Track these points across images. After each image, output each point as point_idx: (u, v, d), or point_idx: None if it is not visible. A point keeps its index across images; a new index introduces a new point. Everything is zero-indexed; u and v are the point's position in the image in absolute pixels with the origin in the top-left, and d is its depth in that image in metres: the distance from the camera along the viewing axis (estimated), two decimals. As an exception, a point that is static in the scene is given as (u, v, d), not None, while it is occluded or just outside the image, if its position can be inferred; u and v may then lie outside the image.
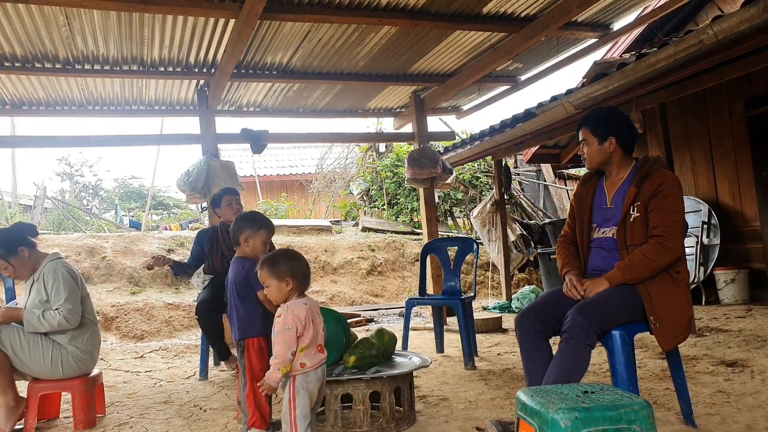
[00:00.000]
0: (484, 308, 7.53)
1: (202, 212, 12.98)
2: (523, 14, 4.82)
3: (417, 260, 9.25)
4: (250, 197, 14.06)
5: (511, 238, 8.15)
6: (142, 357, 5.30)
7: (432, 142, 7.12)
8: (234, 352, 4.26)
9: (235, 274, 2.59)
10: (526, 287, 7.62)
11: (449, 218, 11.80)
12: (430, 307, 6.00)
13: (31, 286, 3.03)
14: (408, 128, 7.13)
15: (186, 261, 4.42)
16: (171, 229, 11.26)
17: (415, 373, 3.13)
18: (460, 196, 11.62)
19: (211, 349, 4.22)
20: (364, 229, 10.91)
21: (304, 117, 7.02)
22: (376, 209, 12.41)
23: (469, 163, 10.47)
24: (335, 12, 4.40)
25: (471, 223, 9.62)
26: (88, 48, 4.78)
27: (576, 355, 2.18)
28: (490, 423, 2.32)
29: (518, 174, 12.07)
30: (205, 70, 5.46)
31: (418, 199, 9.59)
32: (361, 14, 4.47)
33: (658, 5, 5.31)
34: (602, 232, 2.55)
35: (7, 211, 12.68)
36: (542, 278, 8.20)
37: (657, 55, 4.09)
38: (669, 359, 2.49)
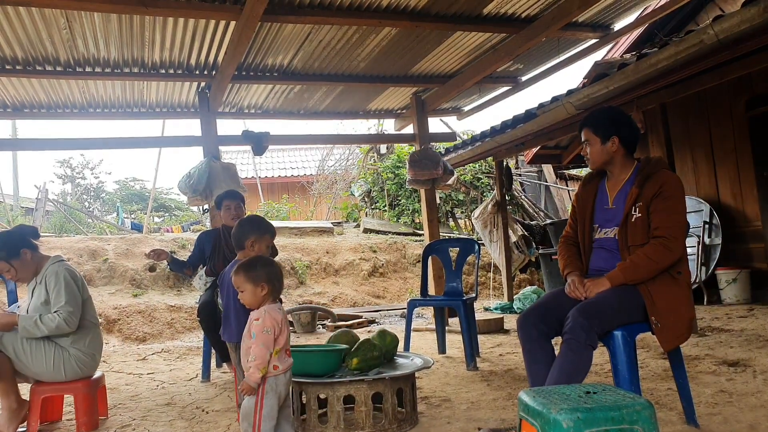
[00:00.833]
0: (486, 309, 7.53)
1: (203, 214, 13.00)
2: (523, 15, 4.82)
3: (418, 261, 9.25)
4: (251, 199, 14.07)
5: (513, 238, 8.14)
6: (144, 359, 5.30)
7: (433, 143, 7.12)
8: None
9: None
10: (528, 288, 7.62)
11: (450, 219, 11.79)
12: (431, 308, 6.00)
13: (34, 288, 3.03)
14: (409, 129, 7.13)
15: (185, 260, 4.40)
16: (173, 231, 11.28)
17: (417, 374, 3.13)
18: (461, 197, 11.62)
19: (213, 350, 4.22)
20: (366, 231, 10.91)
21: (305, 119, 7.03)
22: (377, 210, 12.41)
23: (471, 164, 10.46)
24: (336, 13, 4.41)
25: (472, 224, 9.62)
26: (89, 50, 4.79)
27: (578, 356, 2.18)
28: None
29: (519, 175, 12.07)
30: (206, 72, 5.47)
31: (419, 201, 9.58)
32: (361, 16, 4.47)
33: (658, 5, 5.31)
34: (604, 232, 2.55)
35: (8, 214, 12.70)
36: (544, 279, 8.20)
37: (658, 55, 4.09)
38: (671, 359, 2.48)
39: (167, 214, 17.42)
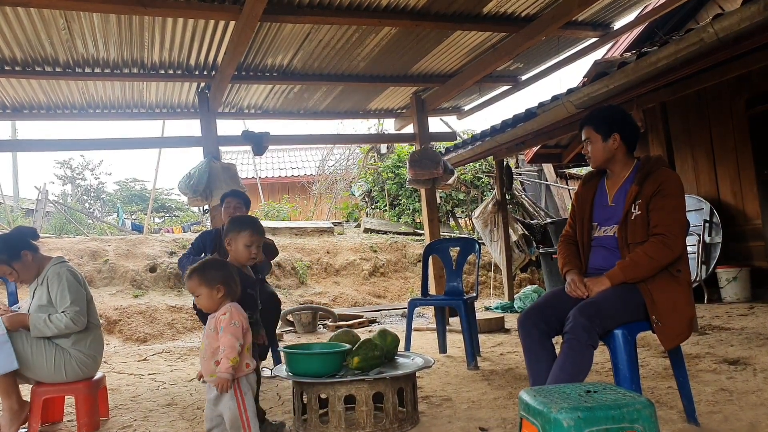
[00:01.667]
0: (487, 308, 7.53)
1: (204, 215, 13.01)
2: (523, 14, 4.82)
3: (419, 261, 9.25)
4: (251, 199, 14.05)
5: (513, 238, 8.14)
6: (145, 360, 5.30)
7: (433, 143, 7.12)
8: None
9: None
10: (529, 287, 7.62)
11: (451, 219, 11.80)
12: (432, 307, 6.00)
13: (35, 289, 3.03)
14: (409, 129, 7.13)
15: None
16: (173, 232, 11.29)
17: (417, 374, 3.13)
18: (461, 196, 11.62)
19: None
20: (366, 231, 10.91)
21: (305, 119, 7.03)
22: (377, 210, 12.41)
23: (471, 164, 10.46)
24: (335, 13, 4.41)
25: (473, 224, 9.62)
26: (88, 51, 4.79)
27: (579, 355, 2.18)
28: None
29: (520, 174, 12.07)
30: (205, 73, 5.47)
31: (419, 200, 9.58)
32: (361, 15, 4.47)
33: (658, 4, 5.31)
34: (603, 230, 2.55)
35: (9, 215, 12.71)
36: (544, 278, 8.20)
37: (658, 53, 4.09)
38: (671, 358, 2.48)
39: (168, 215, 17.44)
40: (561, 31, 4.99)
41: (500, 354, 4.43)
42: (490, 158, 9.69)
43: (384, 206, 12.12)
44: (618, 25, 5.32)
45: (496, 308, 7.30)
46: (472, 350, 4.01)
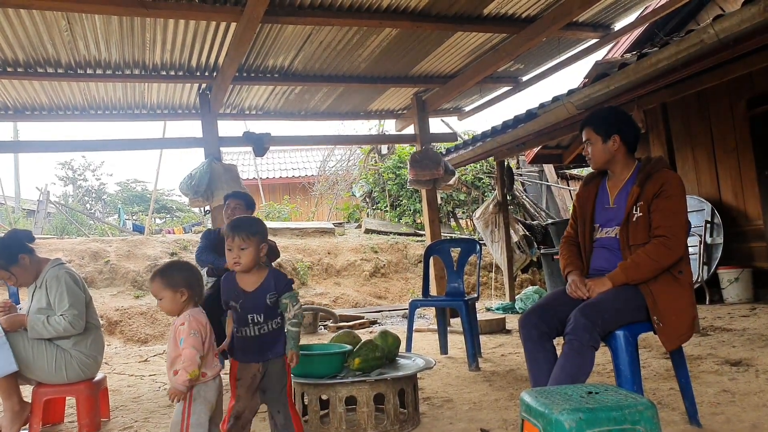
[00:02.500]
0: (488, 309, 7.53)
1: (205, 215, 13.02)
2: (524, 15, 4.82)
3: (420, 262, 9.25)
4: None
5: (514, 238, 8.14)
6: (146, 361, 5.31)
7: (434, 144, 7.12)
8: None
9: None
10: (530, 288, 7.61)
11: (452, 219, 11.80)
12: (433, 308, 6.00)
13: (33, 292, 3.02)
14: (410, 130, 7.14)
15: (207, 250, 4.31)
16: (174, 233, 11.29)
17: (419, 375, 3.13)
18: (462, 197, 11.62)
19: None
20: (367, 231, 10.92)
21: (306, 119, 7.03)
22: (378, 211, 12.42)
23: (472, 164, 10.46)
24: (336, 14, 4.41)
25: (474, 224, 9.61)
26: (90, 52, 4.79)
27: (580, 357, 2.18)
28: None
29: (521, 175, 12.06)
30: (207, 74, 5.47)
31: (420, 201, 9.58)
32: (362, 16, 4.48)
33: (658, 5, 5.31)
34: (605, 232, 2.54)
35: (10, 216, 12.72)
36: (545, 279, 8.19)
37: (658, 54, 4.09)
38: (673, 359, 2.48)
39: (169, 216, 17.45)
40: (562, 32, 4.99)
41: (501, 355, 4.43)
42: (490, 159, 9.68)
43: (385, 207, 12.12)
44: (618, 26, 5.32)
45: (497, 309, 7.29)
46: (474, 351, 4.00)
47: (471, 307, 4.22)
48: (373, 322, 6.93)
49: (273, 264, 4.43)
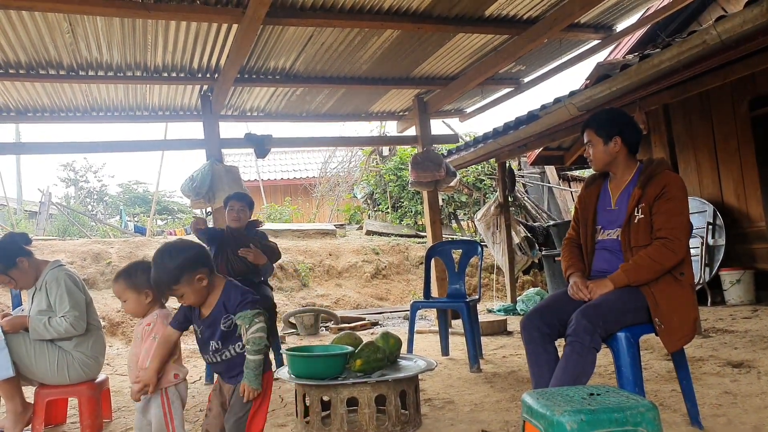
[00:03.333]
0: (489, 311, 7.52)
1: (206, 217, 13.02)
2: (525, 16, 4.82)
3: (421, 263, 9.25)
4: (254, 202, 14.08)
5: (516, 240, 8.13)
6: (147, 362, 5.30)
7: (435, 145, 7.12)
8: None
9: None
10: (531, 289, 7.61)
11: (453, 221, 11.79)
12: (434, 310, 6.00)
13: (33, 294, 3.02)
14: (411, 131, 7.14)
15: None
16: (176, 234, 11.30)
17: (420, 376, 3.12)
18: (464, 198, 11.61)
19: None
20: (368, 233, 10.92)
21: (307, 121, 7.04)
22: (380, 213, 12.42)
23: (473, 166, 10.47)
24: (337, 16, 4.41)
25: (475, 226, 9.61)
26: (91, 54, 4.80)
27: (581, 358, 2.17)
28: None
29: (522, 176, 12.06)
30: (208, 76, 5.48)
31: (421, 202, 9.58)
32: (363, 18, 4.48)
33: (660, 6, 5.31)
34: (606, 234, 2.54)
35: (12, 218, 12.75)
36: (547, 280, 8.18)
37: (660, 56, 4.08)
38: (675, 361, 2.48)
39: (170, 217, 17.46)
40: (563, 33, 4.99)
41: (503, 356, 4.42)
42: (492, 160, 9.68)
43: (386, 208, 12.13)
44: (620, 27, 5.32)
45: (499, 311, 7.29)
46: (475, 353, 4.00)
47: (472, 308, 4.22)
48: (375, 324, 6.93)
49: (273, 265, 4.45)
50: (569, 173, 11.74)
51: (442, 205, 10.83)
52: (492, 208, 7.82)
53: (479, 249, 4.51)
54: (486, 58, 5.58)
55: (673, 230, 2.33)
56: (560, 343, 2.32)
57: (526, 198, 11.22)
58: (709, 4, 6.85)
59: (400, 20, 4.56)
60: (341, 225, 12.10)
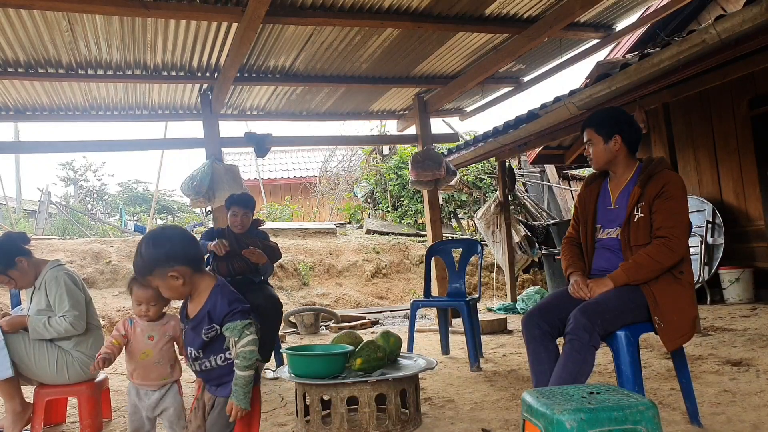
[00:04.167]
0: (489, 309, 7.52)
1: (206, 216, 13.02)
2: (525, 15, 4.82)
3: (421, 262, 9.25)
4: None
5: (516, 239, 8.14)
6: (147, 361, 5.30)
7: (435, 144, 7.12)
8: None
9: None
10: (531, 288, 7.61)
11: (453, 220, 11.79)
12: (435, 309, 6.00)
13: (33, 294, 3.01)
14: (411, 130, 7.14)
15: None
16: (175, 233, 11.27)
17: (420, 375, 3.13)
18: (464, 197, 11.62)
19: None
20: (369, 232, 10.92)
21: (307, 120, 7.04)
22: (380, 212, 12.42)
23: (473, 165, 10.47)
24: (337, 15, 4.41)
25: (475, 225, 9.61)
26: (91, 53, 4.80)
27: (580, 356, 2.18)
28: None
29: (522, 175, 12.06)
30: (208, 74, 5.48)
31: (422, 201, 9.58)
32: (363, 17, 4.48)
33: (660, 5, 5.31)
34: (606, 232, 2.55)
35: (12, 217, 12.74)
36: (547, 279, 8.19)
37: (660, 55, 4.08)
38: (674, 359, 2.48)
39: (170, 216, 17.45)
40: (563, 32, 4.99)
41: (503, 355, 4.43)
42: (492, 159, 9.69)
43: (386, 207, 12.13)
44: (620, 26, 5.32)
45: (499, 309, 7.29)
46: (475, 352, 4.00)
47: (472, 307, 4.22)
48: (375, 323, 6.93)
49: (274, 264, 4.45)
50: (569, 172, 11.75)
51: (442, 204, 10.83)
52: (492, 207, 7.82)
53: (479, 248, 4.51)
54: (486, 57, 5.58)
55: (672, 229, 2.33)
56: (561, 342, 2.32)
57: (526, 197, 11.23)
58: (709, 3, 6.85)
59: (400, 19, 4.56)
60: (341, 224, 12.10)
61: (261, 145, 6.13)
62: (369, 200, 12.84)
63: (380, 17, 4.51)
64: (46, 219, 13.15)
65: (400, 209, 11.86)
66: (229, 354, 1.86)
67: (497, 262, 8.37)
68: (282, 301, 4.31)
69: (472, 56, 5.62)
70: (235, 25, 4.40)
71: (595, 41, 5.42)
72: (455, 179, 6.67)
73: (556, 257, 7.39)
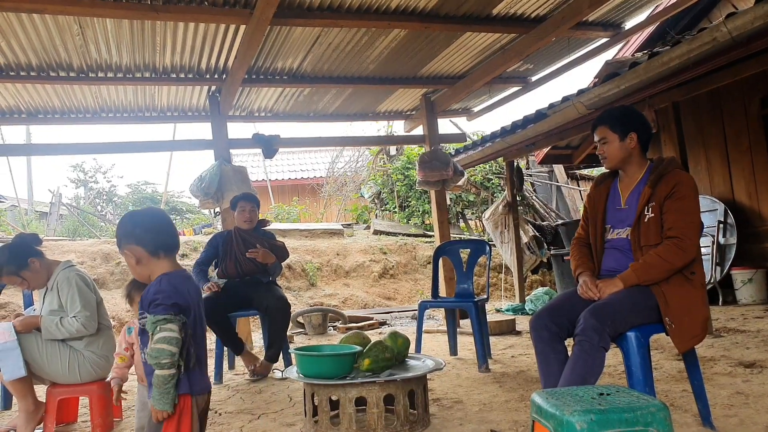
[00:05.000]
0: (498, 310, 7.50)
1: (215, 217, 13.08)
2: (533, 15, 4.80)
3: (429, 263, 9.23)
4: (261, 202, 14.10)
5: (524, 239, 8.11)
6: (157, 361, 5.33)
7: (443, 144, 7.11)
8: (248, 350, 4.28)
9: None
10: (540, 289, 7.58)
11: (461, 220, 11.77)
12: (443, 309, 5.99)
13: (45, 295, 3.04)
14: (419, 131, 7.13)
15: (201, 268, 4.41)
16: (185, 234, 11.35)
17: (428, 376, 3.12)
18: (471, 198, 11.59)
19: (225, 353, 4.25)
20: (376, 232, 10.92)
21: (314, 121, 7.05)
22: (387, 212, 12.42)
23: (481, 165, 10.44)
24: (345, 16, 4.42)
25: (483, 225, 9.59)
26: (101, 56, 4.83)
27: (590, 357, 2.16)
28: None
29: (530, 175, 12.02)
30: (216, 76, 5.50)
31: (429, 202, 9.56)
32: (370, 18, 4.48)
33: (670, 3, 5.27)
34: (616, 233, 2.53)
35: (23, 218, 12.85)
36: (556, 280, 8.15)
37: (670, 53, 4.05)
38: (686, 360, 2.46)
39: (179, 217, 17.53)
40: (571, 31, 4.96)
41: (511, 356, 4.41)
42: (500, 159, 9.66)
43: (394, 208, 12.12)
44: (629, 25, 5.29)
45: (507, 310, 7.27)
46: (483, 352, 3.99)
47: (481, 308, 4.21)
48: (383, 323, 6.93)
49: (282, 265, 4.47)
50: (578, 172, 11.69)
51: (449, 205, 10.81)
52: (500, 207, 7.80)
53: (487, 248, 4.50)
54: (493, 57, 5.57)
55: (683, 229, 2.31)
56: (569, 343, 2.31)
57: (534, 197, 11.18)
58: (719, 0, 6.79)
59: (408, 20, 4.56)
60: (349, 225, 12.11)
61: (269, 146, 6.15)
62: (376, 201, 12.84)
63: (387, 18, 4.51)
64: (57, 220, 13.26)
65: (407, 210, 11.85)
66: None
67: (505, 262, 8.34)
68: (290, 301, 4.33)
69: (480, 56, 5.61)
70: (243, 27, 4.41)
71: (604, 40, 5.39)
72: (463, 179, 6.66)
73: (565, 258, 7.36)
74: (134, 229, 1.84)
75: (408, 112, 7.24)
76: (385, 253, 9.54)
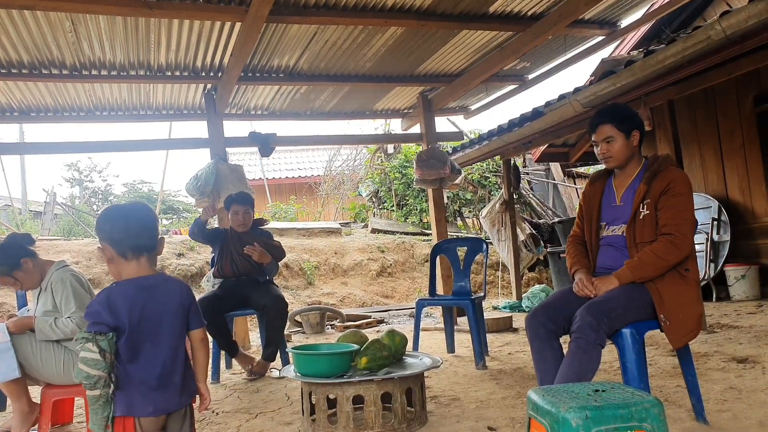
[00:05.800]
0: (495, 308, 7.52)
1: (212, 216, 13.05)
2: (529, 13, 4.81)
3: (427, 261, 9.25)
4: (259, 201, 14.05)
5: (521, 237, 8.13)
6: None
7: (440, 143, 7.12)
8: (242, 351, 4.28)
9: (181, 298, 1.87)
10: (537, 286, 7.60)
11: (458, 218, 11.78)
12: (440, 307, 6.00)
13: (39, 295, 3.02)
14: (416, 129, 7.13)
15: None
16: (181, 234, 11.32)
17: (426, 374, 3.13)
18: (469, 196, 11.60)
19: (222, 352, 4.25)
20: (374, 231, 10.92)
21: (311, 119, 7.04)
22: (385, 211, 12.42)
23: (478, 163, 10.45)
24: (341, 14, 4.41)
25: (480, 223, 9.61)
26: (94, 54, 4.81)
27: (586, 355, 2.17)
28: None
29: (527, 173, 12.04)
30: (212, 74, 5.49)
31: (427, 200, 9.58)
32: (367, 15, 4.48)
33: (665, 1, 5.29)
34: (611, 230, 2.54)
35: (17, 218, 12.80)
36: (552, 277, 8.17)
37: (665, 51, 4.07)
38: (680, 356, 2.47)
39: (175, 216, 17.49)
40: (568, 29, 4.97)
41: (508, 353, 4.42)
42: (497, 158, 9.67)
43: (391, 206, 12.13)
44: (625, 23, 5.30)
45: (504, 308, 7.29)
46: (480, 350, 4.00)
47: (478, 305, 4.22)
48: (380, 322, 6.94)
49: (279, 264, 4.46)
50: (574, 170, 11.72)
51: (447, 203, 10.82)
52: (497, 205, 7.81)
53: (484, 246, 4.51)
54: (490, 54, 5.57)
55: (678, 226, 2.32)
56: (565, 340, 2.32)
57: (531, 195, 11.20)
58: (714, -1, 6.82)
59: (404, 17, 4.55)
60: (346, 223, 12.11)
61: (265, 144, 6.14)
62: (374, 199, 12.84)
63: (384, 16, 4.50)
64: (52, 220, 13.20)
65: (404, 208, 11.86)
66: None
67: (502, 260, 8.36)
68: (287, 300, 4.33)
69: (477, 54, 5.61)
70: (238, 25, 4.40)
71: (600, 38, 5.40)
72: (460, 178, 6.66)
73: (561, 255, 7.38)
74: (105, 224, 1.77)
75: (405, 111, 7.24)
76: (382, 251, 9.54)
